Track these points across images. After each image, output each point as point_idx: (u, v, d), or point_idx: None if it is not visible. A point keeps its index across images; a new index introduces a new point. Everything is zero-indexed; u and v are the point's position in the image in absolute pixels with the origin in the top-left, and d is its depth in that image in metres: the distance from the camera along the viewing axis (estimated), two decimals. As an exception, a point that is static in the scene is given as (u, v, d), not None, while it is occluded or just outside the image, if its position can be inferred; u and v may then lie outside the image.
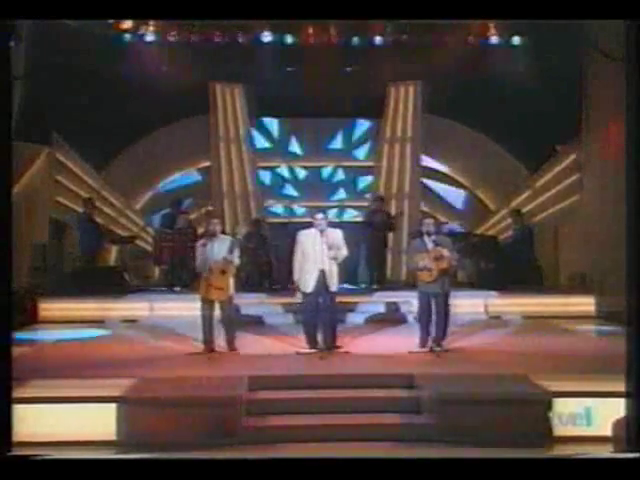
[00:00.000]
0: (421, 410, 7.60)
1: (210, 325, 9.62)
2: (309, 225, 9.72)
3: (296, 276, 9.62)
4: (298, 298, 9.94)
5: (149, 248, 15.25)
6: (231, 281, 9.60)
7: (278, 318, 12.22)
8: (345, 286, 12.27)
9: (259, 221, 15.14)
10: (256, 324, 11.91)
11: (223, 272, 9.48)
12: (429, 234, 9.60)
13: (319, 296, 9.49)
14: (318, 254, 9.38)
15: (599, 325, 12.02)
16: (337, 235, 9.52)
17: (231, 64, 15.28)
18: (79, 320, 12.24)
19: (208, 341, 9.61)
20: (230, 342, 9.68)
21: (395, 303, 12.59)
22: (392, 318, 12.29)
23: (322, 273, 9.41)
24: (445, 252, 9.47)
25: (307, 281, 9.48)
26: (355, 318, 12.21)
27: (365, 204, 16.31)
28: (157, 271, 15.50)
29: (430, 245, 9.54)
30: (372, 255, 14.32)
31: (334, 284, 9.49)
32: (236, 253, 9.67)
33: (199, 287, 9.64)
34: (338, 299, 9.88)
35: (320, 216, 9.55)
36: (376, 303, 12.78)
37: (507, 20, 14.03)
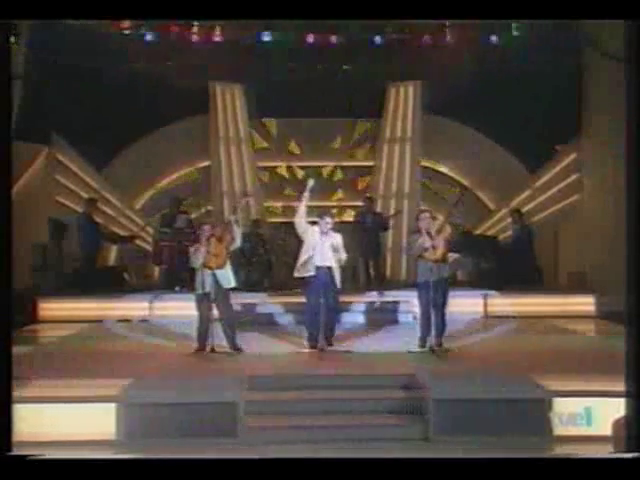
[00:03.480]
0: (421, 410, 7.59)
1: (206, 324, 9.61)
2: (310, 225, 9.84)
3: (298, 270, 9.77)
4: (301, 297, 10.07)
5: (149, 248, 15.24)
6: (227, 263, 9.61)
7: (278, 317, 12.25)
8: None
9: (258, 221, 15.15)
10: (256, 324, 11.92)
11: (220, 240, 9.56)
12: (427, 229, 9.58)
13: (320, 294, 9.60)
14: (318, 252, 9.56)
15: (599, 325, 12.02)
16: (338, 238, 9.67)
17: (231, 64, 15.27)
18: (79, 320, 12.25)
19: (202, 340, 9.61)
20: (232, 342, 9.68)
21: (394, 303, 12.59)
22: (391, 318, 12.30)
23: (322, 270, 9.54)
24: (444, 220, 9.47)
25: (312, 276, 9.62)
26: (354, 318, 12.21)
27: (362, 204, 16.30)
28: (157, 271, 15.49)
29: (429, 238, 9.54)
30: (367, 255, 14.33)
31: (338, 281, 9.67)
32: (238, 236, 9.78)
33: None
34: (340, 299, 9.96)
35: (329, 220, 9.69)
36: (375, 303, 12.78)
37: (507, 20, 14.05)
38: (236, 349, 9.65)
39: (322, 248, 9.56)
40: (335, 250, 9.56)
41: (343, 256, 9.69)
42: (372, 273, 14.37)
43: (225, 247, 9.63)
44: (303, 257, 9.71)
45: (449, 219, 9.62)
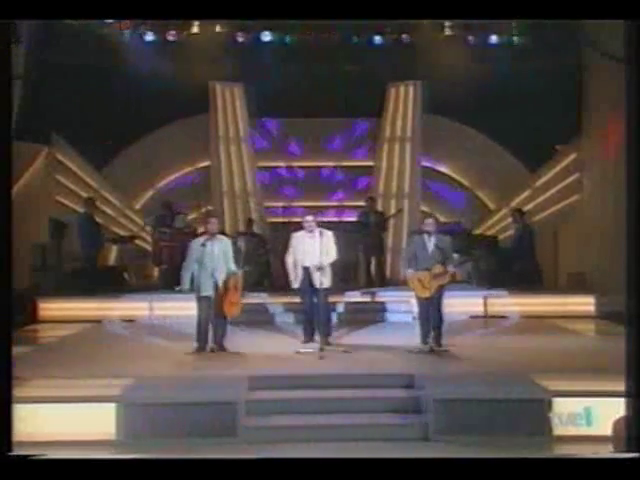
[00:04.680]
0: (421, 410, 7.60)
1: (206, 325, 9.62)
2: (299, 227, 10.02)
3: (291, 275, 10.00)
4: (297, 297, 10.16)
5: (149, 248, 15.25)
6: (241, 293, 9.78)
7: (278, 317, 12.26)
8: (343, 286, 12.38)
9: (251, 221, 15.24)
10: (256, 323, 11.92)
11: (236, 287, 9.63)
12: (429, 234, 9.66)
13: (311, 294, 9.81)
14: (308, 253, 9.74)
15: (599, 325, 12.02)
16: (328, 238, 9.76)
17: (231, 64, 15.27)
18: (79, 320, 12.25)
19: (202, 340, 9.62)
20: (219, 341, 9.68)
21: (394, 302, 12.59)
22: (391, 317, 12.30)
23: (310, 271, 9.73)
24: (447, 268, 9.52)
25: (295, 279, 9.89)
26: (354, 317, 12.21)
27: (364, 204, 16.30)
28: (157, 271, 15.49)
29: (431, 246, 9.59)
30: (368, 255, 14.34)
31: (326, 282, 9.73)
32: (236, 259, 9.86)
33: (216, 304, 9.55)
34: (338, 299, 9.98)
35: (310, 218, 9.98)
36: (375, 303, 12.78)
37: (507, 20, 14.04)
38: (221, 349, 9.66)
39: (308, 250, 9.75)
40: (324, 250, 9.65)
41: (333, 256, 9.81)
42: (373, 272, 14.37)
43: (240, 292, 9.69)
44: (292, 266, 9.92)
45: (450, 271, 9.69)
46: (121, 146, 16.05)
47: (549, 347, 10.09)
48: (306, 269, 9.80)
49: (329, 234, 9.86)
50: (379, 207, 15.78)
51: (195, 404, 7.41)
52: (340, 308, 12.16)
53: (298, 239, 9.95)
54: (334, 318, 10.74)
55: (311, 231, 9.85)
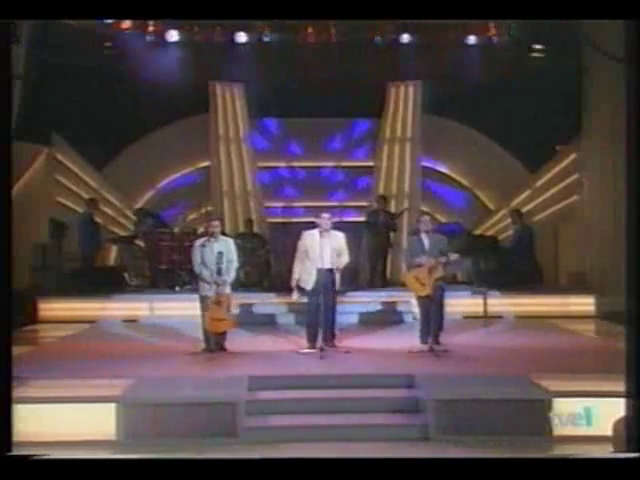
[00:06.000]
0: (421, 410, 7.60)
1: None
2: (309, 225, 9.87)
3: (296, 275, 9.75)
4: (294, 298, 10.03)
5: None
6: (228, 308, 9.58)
7: (278, 318, 12.25)
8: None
9: (251, 221, 15.23)
10: (256, 324, 11.93)
11: (219, 303, 9.44)
12: (426, 232, 9.71)
13: (320, 295, 9.57)
14: (319, 253, 9.52)
15: (599, 325, 12.03)
16: (340, 239, 9.65)
17: (231, 64, 15.27)
18: (79, 320, 12.25)
19: (208, 341, 9.62)
20: (218, 342, 9.67)
21: (395, 303, 12.59)
22: (391, 318, 12.30)
23: (323, 272, 9.51)
24: (440, 260, 9.54)
25: (308, 280, 9.64)
26: (355, 318, 12.22)
27: (365, 204, 16.29)
28: (157, 271, 15.47)
29: (427, 243, 9.63)
30: (374, 255, 14.31)
31: (336, 283, 9.61)
32: (233, 267, 9.68)
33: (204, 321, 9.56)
34: (339, 299, 9.94)
35: (326, 216, 9.69)
36: (377, 303, 12.78)
37: (507, 20, 14.03)
38: (220, 349, 9.66)
39: (322, 250, 9.51)
40: (337, 251, 9.56)
41: (345, 258, 9.70)
42: (378, 272, 14.33)
43: (224, 308, 9.47)
44: (307, 266, 9.68)
45: (445, 265, 9.71)
46: (121, 146, 16.03)
47: (549, 347, 10.09)
48: (319, 270, 9.54)
49: (341, 235, 9.76)
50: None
51: (195, 404, 7.42)
52: (341, 309, 12.14)
53: (311, 237, 9.65)
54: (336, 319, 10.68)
55: (327, 230, 9.59)
